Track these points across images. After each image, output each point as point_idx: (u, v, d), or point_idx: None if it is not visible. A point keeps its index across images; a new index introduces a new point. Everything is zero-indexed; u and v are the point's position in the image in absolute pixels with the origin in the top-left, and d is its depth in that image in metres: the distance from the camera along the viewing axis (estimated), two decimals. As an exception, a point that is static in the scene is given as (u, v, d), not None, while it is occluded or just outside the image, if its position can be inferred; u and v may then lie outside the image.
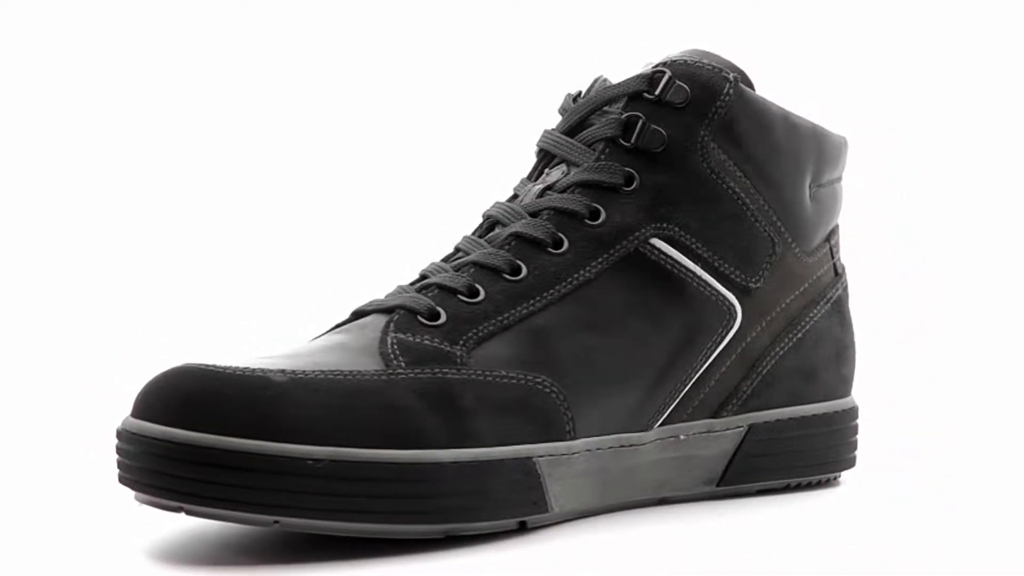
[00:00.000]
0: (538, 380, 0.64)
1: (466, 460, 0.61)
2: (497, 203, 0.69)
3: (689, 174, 0.68)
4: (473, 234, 0.69)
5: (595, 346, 0.65)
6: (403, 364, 0.62)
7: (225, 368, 0.59)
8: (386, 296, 0.66)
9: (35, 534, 0.65)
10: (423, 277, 0.67)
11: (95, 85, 1.17)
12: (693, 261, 0.67)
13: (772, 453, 0.71)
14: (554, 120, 0.71)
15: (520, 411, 0.63)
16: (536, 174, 0.70)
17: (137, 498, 0.60)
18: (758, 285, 0.69)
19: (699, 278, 0.68)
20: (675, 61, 0.69)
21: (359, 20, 1.18)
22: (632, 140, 0.68)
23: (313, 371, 0.60)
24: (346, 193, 1.15)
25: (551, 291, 0.65)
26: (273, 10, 1.19)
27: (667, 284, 0.67)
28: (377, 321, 0.64)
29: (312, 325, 0.70)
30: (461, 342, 0.63)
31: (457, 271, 0.66)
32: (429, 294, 0.65)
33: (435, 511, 0.60)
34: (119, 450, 0.60)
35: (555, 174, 0.69)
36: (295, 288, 1.10)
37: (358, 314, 0.66)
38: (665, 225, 0.67)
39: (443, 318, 0.64)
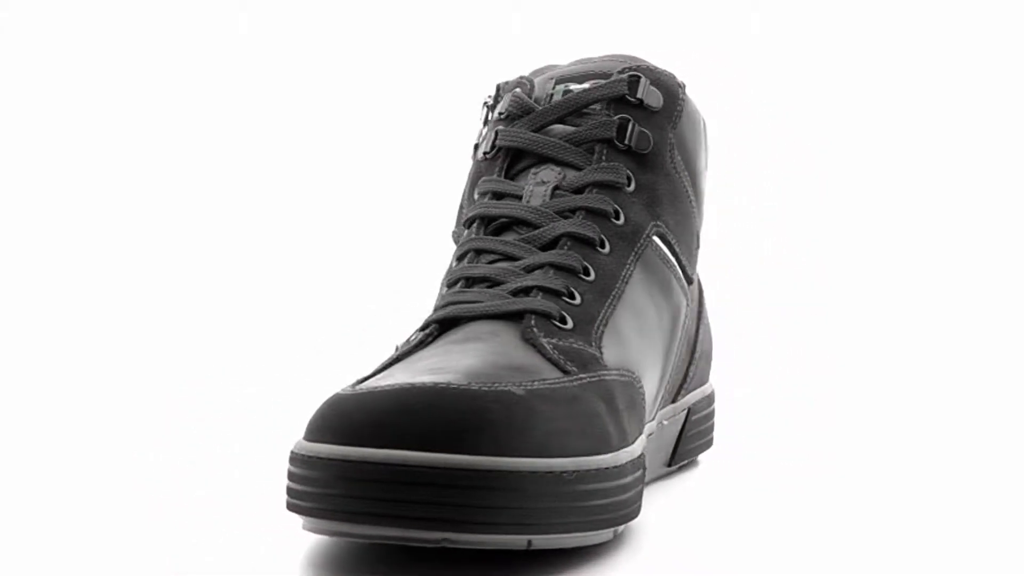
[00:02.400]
0: (635, 377, 0.65)
1: (630, 461, 0.61)
2: (494, 203, 0.68)
3: (666, 175, 0.70)
4: (477, 233, 0.67)
5: (640, 343, 0.67)
6: (575, 369, 0.61)
7: (460, 385, 0.56)
8: (473, 302, 0.64)
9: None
10: (491, 279, 0.65)
11: (79, 90, 1.18)
12: (674, 256, 0.70)
13: (697, 431, 0.77)
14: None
15: (637, 409, 0.64)
16: (510, 173, 0.69)
17: (374, 533, 0.55)
18: (694, 277, 0.74)
19: (676, 272, 0.70)
20: (641, 66, 0.71)
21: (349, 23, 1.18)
22: (625, 142, 0.69)
23: (523, 381, 0.58)
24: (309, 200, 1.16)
25: (615, 289, 0.66)
26: (276, 13, 1.19)
27: (664, 278, 0.69)
28: (500, 327, 0.63)
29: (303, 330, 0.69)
30: (593, 343, 0.63)
31: (530, 273, 0.65)
32: (541, 297, 0.64)
33: (628, 514, 0.60)
34: (340, 482, 0.55)
35: (548, 174, 0.69)
36: (279, 292, 1.11)
37: (447, 321, 0.64)
38: (659, 223, 0.69)
39: (570, 321, 0.64)
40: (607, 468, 0.58)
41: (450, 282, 0.67)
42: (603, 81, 0.70)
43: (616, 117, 0.69)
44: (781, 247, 1.15)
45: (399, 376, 0.58)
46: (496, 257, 0.66)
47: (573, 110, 0.69)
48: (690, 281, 0.72)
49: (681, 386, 0.75)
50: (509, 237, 0.67)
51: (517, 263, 0.66)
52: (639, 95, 0.70)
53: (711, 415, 0.79)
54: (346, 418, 0.56)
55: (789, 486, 0.74)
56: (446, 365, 0.59)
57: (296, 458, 0.58)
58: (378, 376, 0.60)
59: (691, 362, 0.75)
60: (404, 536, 0.55)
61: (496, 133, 0.70)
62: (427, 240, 0.80)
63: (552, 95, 0.70)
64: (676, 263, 0.70)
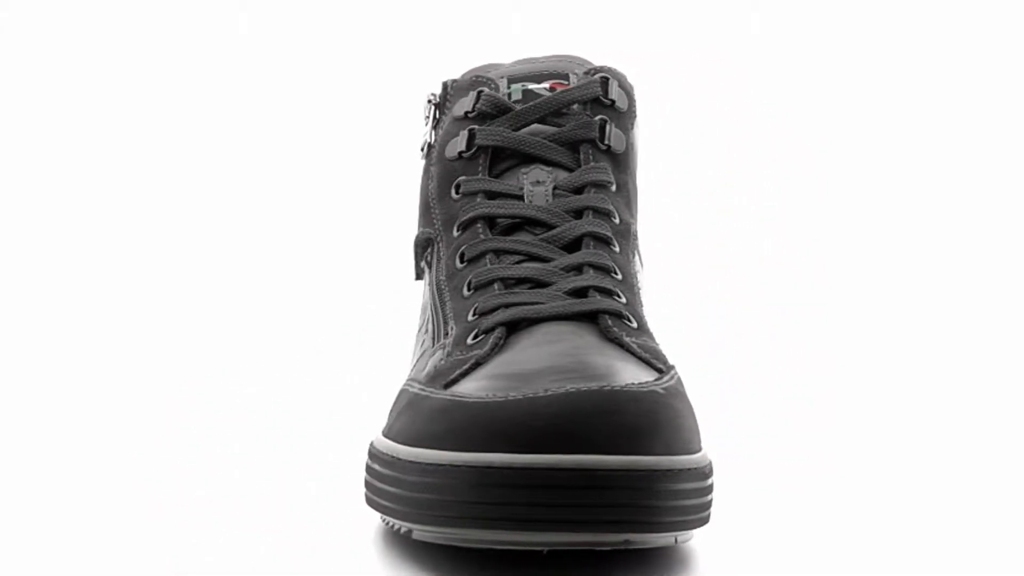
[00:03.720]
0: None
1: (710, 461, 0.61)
2: (497, 203, 0.67)
3: (632, 175, 0.70)
4: (485, 234, 0.67)
5: None
6: (663, 367, 0.61)
7: (620, 387, 0.56)
8: (534, 303, 0.63)
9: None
10: (534, 280, 0.64)
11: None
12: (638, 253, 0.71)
13: None
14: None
15: None
16: (492, 173, 0.69)
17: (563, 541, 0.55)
18: None
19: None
20: (604, 67, 0.71)
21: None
22: (605, 142, 0.69)
23: (641, 381, 0.58)
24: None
25: (636, 288, 0.66)
26: (281, 17, 1.19)
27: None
28: (575, 328, 0.62)
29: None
30: (656, 342, 0.63)
31: (573, 273, 0.65)
32: (599, 297, 0.64)
33: (706, 516, 0.60)
34: (523, 491, 0.55)
35: (540, 174, 0.68)
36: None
37: (511, 324, 0.62)
38: (635, 223, 0.69)
39: (635, 321, 0.63)
40: (704, 467, 0.59)
41: (480, 284, 0.65)
42: (565, 81, 0.70)
43: (596, 118, 0.69)
44: (778, 247, 1.15)
45: (531, 380, 0.57)
46: (521, 258, 0.65)
47: (554, 110, 0.69)
48: None
49: None
50: (524, 237, 0.66)
51: (549, 264, 0.65)
52: (611, 96, 0.70)
53: None
54: (521, 425, 0.55)
55: (787, 486, 0.74)
56: (572, 366, 0.58)
57: (453, 469, 0.56)
58: (481, 382, 0.59)
59: None
60: (589, 541, 0.55)
61: (472, 132, 0.69)
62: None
63: (510, 94, 0.70)
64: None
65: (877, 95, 1.17)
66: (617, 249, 0.67)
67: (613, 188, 0.69)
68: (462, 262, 0.67)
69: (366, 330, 0.98)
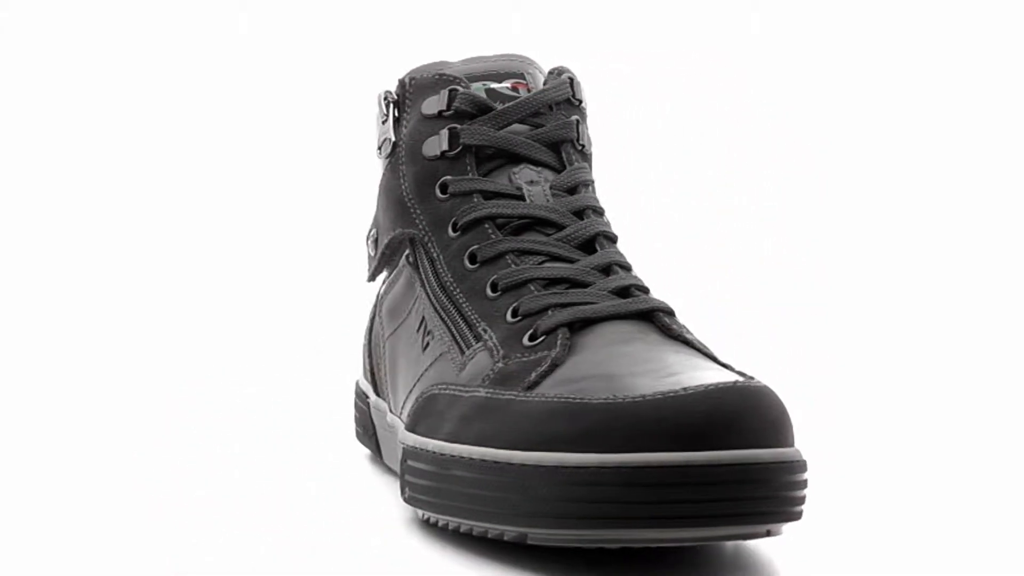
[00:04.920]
0: None
1: None
2: (502, 203, 0.67)
3: (591, 170, 0.71)
4: (496, 234, 0.66)
5: None
6: (726, 363, 0.61)
7: (748, 383, 0.56)
8: (589, 303, 0.63)
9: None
10: (572, 281, 0.64)
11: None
12: None
13: None
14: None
15: None
16: (478, 172, 0.68)
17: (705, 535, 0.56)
18: None
19: None
20: (564, 67, 0.71)
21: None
22: (580, 142, 0.70)
23: (747, 376, 0.58)
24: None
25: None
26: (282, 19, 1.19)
27: None
28: (636, 327, 0.62)
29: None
30: None
31: (606, 273, 0.65)
32: (642, 295, 0.64)
33: None
34: (682, 488, 0.55)
35: (529, 174, 0.68)
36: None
37: (580, 323, 0.62)
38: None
39: (677, 317, 0.64)
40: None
41: (511, 284, 0.65)
42: (523, 81, 0.70)
43: (573, 118, 0.70)
44: (778, 246, 1.15)
45: (631, 379, 0.57)
46: (544, 258, 0.65)
47: (533, 111, 0.69)
48: None
49: None
50: (538, 237, 0.66)
51: (576, 265, 0.65)
52: (579, 96, 0.71)
53: None
54: (674, 423, 0.55)
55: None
56: (663, 366, 0.58)
57: (600, 471, 0.55)
58: (575, 384, 0.58)
59: None
60: (737, 534, 0.56)
61: (454, 131, 0.69)
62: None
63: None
64: None
65: (865, 89, 1.17)
66: (617, 246, 0.67)
67: (590, 185, 0.69)
68: (473, 263, 0.66)
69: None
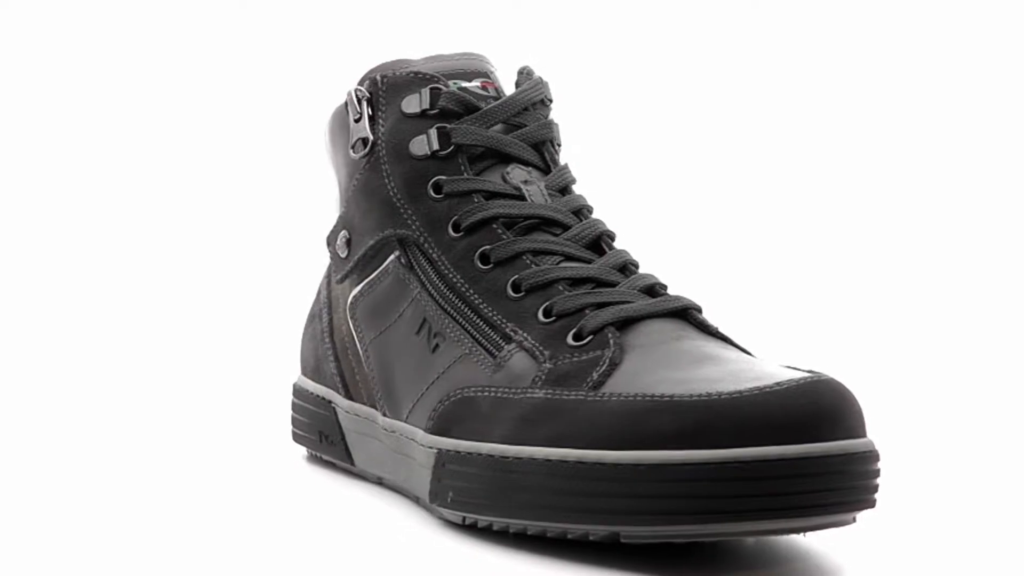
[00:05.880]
0: None
1: None
2: (508, 203, 0.67)
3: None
4: (506, 235, 0.66)
5: None
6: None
7: (829, 377, 0.58)
8: (626, 302, 0.63)
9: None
10: (597, 280, 0.64)
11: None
12: None
13: None
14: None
15: None
16: (470, 172, 0.68)
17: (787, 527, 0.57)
18: None
19: None
20: (530, 67, 0.71)
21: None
22: (558, 142, 0.71)
23: (801, 376, 0.58)
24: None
25: None
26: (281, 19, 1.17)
27: None
28: (675, 325, 0.63)
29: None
30: None
31: (623, 273, 0.66)
32: (668, 293, 0.65)
33: None
34: (798, 479, 0.56)
35: (521, 174, 0.68)
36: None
37: (623, 322, 0.63)
38: None
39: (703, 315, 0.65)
40: None
41: (537, 285, 0.64)
42: (489, 79, 0.70)
43: (551, 118, 0.70)
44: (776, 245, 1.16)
45: (695, 375, 0.58)
46: (560, 259, 0.66)
47: (519, 111, 0.69)
48: None
49: None
50: (548, 237, 0.66)
51: (593, 264, 0.65)
52: (551, 97, 0.71)
53: None
54: (781, 418, 0.56)
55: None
56: (739, 362, 0.60)
57: (705, 467, 0.56)
58: (644, 380, 0.59)
59: None
60: (831, 522, 0.57)
61: (444, 131, 0.68)
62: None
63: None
64: None
65: (863, 88, 1.18)
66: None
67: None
68: (486, 264, 0.66)
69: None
